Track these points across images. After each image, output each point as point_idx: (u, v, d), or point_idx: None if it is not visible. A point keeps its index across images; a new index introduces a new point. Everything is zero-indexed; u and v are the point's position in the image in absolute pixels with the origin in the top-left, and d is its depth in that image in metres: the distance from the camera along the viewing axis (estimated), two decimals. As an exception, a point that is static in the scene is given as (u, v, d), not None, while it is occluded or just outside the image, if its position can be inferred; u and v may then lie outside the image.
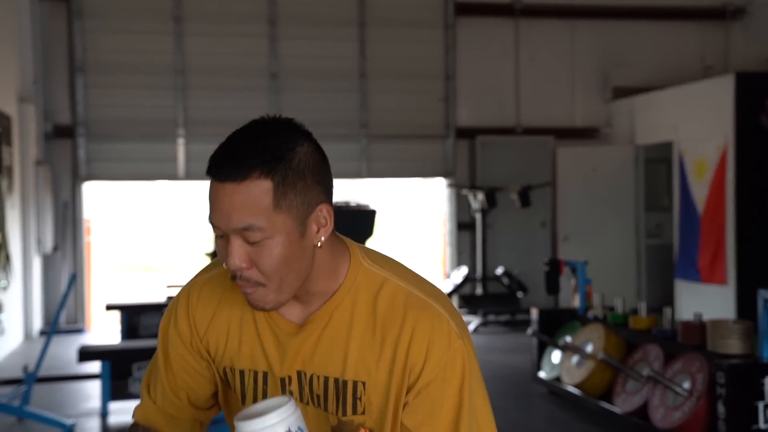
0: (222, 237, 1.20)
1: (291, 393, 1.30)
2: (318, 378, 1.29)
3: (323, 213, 1.23)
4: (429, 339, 1.25)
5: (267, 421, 1.15)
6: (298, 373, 1.29)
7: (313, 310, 1.29)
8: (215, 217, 1.19)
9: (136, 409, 1.45)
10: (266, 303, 1.22)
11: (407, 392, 1.26)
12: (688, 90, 8.05)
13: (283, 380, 1.30)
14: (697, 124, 7.73)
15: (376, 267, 1.30)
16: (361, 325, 1.27)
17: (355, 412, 1.28)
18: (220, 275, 1.35)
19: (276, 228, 1.18)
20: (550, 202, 9.22)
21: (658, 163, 8.99)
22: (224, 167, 1.17)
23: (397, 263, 1.35)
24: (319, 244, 1.23)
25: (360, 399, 1.27)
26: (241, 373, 1.32)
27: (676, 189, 7.98)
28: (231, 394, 1.39)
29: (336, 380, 1.28)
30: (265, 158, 1.16)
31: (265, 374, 1.31)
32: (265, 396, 1.31)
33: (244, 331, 1.32)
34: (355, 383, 1.27)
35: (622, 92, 9.36)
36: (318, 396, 1.29)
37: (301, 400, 1.30)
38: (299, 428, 1.17)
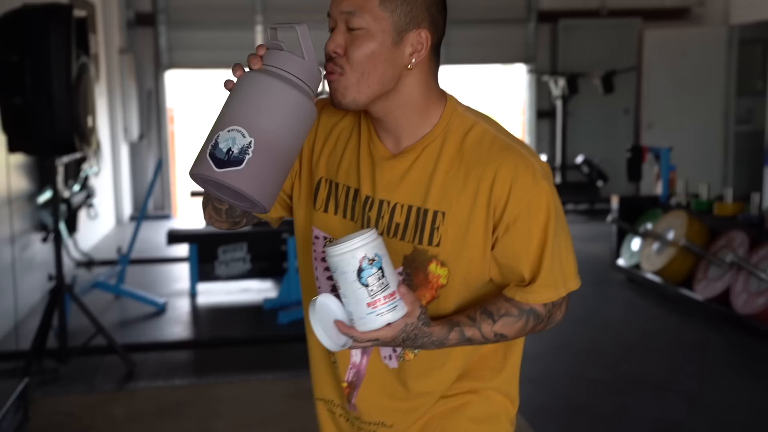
0: (331, 30, 1.30)
1: (369, 218, 1.35)
2: (401, 206, 1.34)
3: (421, 38, 1.28)
4: (513, 176, 1.29)
5: (346, 247, 1.21)
6: (381, 202, 1.35)
7: (407, 145, 1.34)
8: (331, 4, 1.29)
9: None
10: (344, 95, 1.28)
11: (494, 229, 1.31)
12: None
13: (367, 199, 1.36)
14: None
15: (470, 113, 1.36)
16: (448, 159, 1.32)
17: (431, 242, 1.32)
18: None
19: (375, 22, 1.25)
20: (635, 88, 8.90)
21: (754, 44, 8.51)
22: None
23: (491, 117, 1.39)
24: (409, 66, 1.29)
25: (437, 229, 1.31)
26: (336, 185, 1.39)
27: (771, 72, 7.58)
28: (311, 256, 1.43)
29: (418, 209, 1.33)
30: None
31: (356, 191, 1.37)
32: (353, 210, 1.38)
33: (348, 149, 1.39)
34: (435, 213, 1.32)
35: (717, -31, 8.80)
36: (398, 224, 1.34)
37: (378, 230, 1.34)
38: (376, 254, 1.21)
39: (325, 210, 1.40)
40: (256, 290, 5.60)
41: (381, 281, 1.21)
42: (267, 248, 5.38)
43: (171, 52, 8.88)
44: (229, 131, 1.18)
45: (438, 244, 1.32)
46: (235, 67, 1.26)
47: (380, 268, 1.21)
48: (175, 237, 5.47)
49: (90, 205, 6.44)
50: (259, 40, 8.87)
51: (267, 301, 5.12)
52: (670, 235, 5.24)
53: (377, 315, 1.22)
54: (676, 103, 8.49)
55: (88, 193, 6.28)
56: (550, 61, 9.29)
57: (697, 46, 8.49)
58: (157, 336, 4.67)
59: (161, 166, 5.41)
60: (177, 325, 4.88)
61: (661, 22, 9.14)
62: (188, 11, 8.79)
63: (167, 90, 9.08)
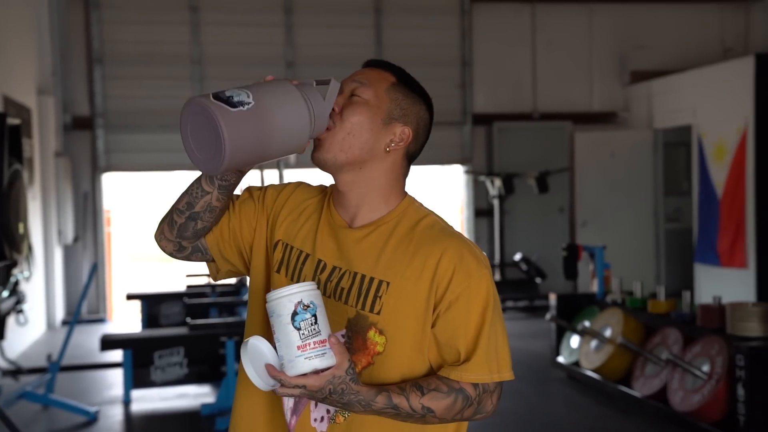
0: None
1: (320, 280, 1.44)
2: (350, 273, 1.42)
3: (404, 133, 1.45)
4: (458, 258, 1.39)
5: (285, 291, 1.30)
6: (333, 268, 1.44)
7: (362, 224, 1.46)
8: (347, 82, 1.46)
9: None
10: (328, 150, 1.42)
11: (435, 307, 1.38)
12: (708, 72, 7.98)
13: (319, 263, 1.45)
14: (717, 107, 7.66)
15: (425, 208, 1.49)
16: (399, 237, 1.42)
17: (372, 309, 1.39)
18: (320, 187, 1.58)
19: (377, 99, 1.43)
20: (568, 188, 9.18)
21: (677, 147, 8.93)
22: (376, 61, 1.50)
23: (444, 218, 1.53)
24: (387, 149, 1.44)
25: (380, 297, 1.39)
26: (291, 248, 1.49)
27: (695, 173, 7.92)
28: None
29: (363, 276, 1.41)
30: (401, 75, 1.49)
31: (307, 255, 1.47)
32: (300, 272, 1.47)
33: (310, 220, 1.50)
34: (380, 282, 1.39)
35: (640, 76, 9.29)
36: (342, 289, 1.42)
37: (325, 293, 1.42)
38: (312, 302, 1.29)
39: (278, 270, 1.49)
40: (193, 395, 5.43)
41: (313, 327, 1.28)
42: (205, 351, 5.26)
43: (108, 155, 8.85)
44: (239, 89, 1.35)
45: (379, 312, 1.38)
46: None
47: (314, 315, 1.29)
48: (108, 342, 5.31)
49: (20, 311, 6.23)
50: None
51: (205, 406, 4.96)
52: (608, 333, 5.31)
53: (306, 359, 1.27)
54: (609, 203, 8.77)
55: (18, 299, 6.07)
56: (487, 162, 9.55)
57: (625, 149, 8.86)
58: (86, 448, 4.45)
59: (96, 269, 5.30)
60: (108, 436, 4.68)
61: (590, 125, 9.54)
62: (126, 115, 8.82)
63: (104, 192, 9.00)
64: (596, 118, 9.63)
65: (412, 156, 1.49)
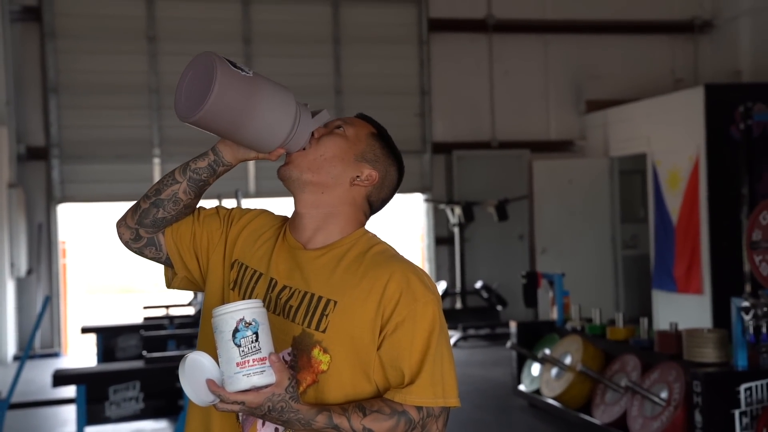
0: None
1: (270, 298, 1.48)
2: (299, 292, 1.46)
3: (371, 176, 1.52)
4: (406, 282, 1.42)
5: (228, 308, 1.32)
6: (283, 287, 1.47)
7: (318, 246, 1.50)
8: (333, 120, 1.55)
9: None
10: (296, 166, 1.48)
11: (381, 329, 1.40)
12: (660, 102, 8.15)
13: (271, 281, 1.49)
14: (670, 136, 7.81)
15: (378, 239, 1.53)
16: (349, 261, 1.46)
17: (318, 327, 1.42)
18: (282, 216, 1.63)
19: (355, 137, 1.52)
20: (527, 215, 9.26)
21: (633, 174, 9.07)
22: (363, 116, 1.58)
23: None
24: (352, 183, 1.50)
25: (326, 316, 1.41)
26: (246, 268, 1.54)
27: (650, 200, 8.05)
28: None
29: (312, 295, 1.44)
30: (385, 134, 1.57)
31: (260, 275, 1.51)
32: (252, 291, 1.51)
33: (267, 242, 1.55)
34: (327, 301, 1.42)
35: (595, 105, 9.45)
36: (291, 307, 1.45)
37: (274, 311, 1.46)
38: (254, 320, 1.31)
39: (232, 289, 1.53)
40: (149, 431, 5.30)
41: (253, 345, 1.29)
42: (161, 385, 5.15)
43: (64, 186, 8.71)
44: (246, 65, 1.45)
45: (324, 330, 1.41)
46: None
47: (255, 333, 1.30)
48: (61, 377, 5.16)
49: (-31, 346, 6.06)
50: (157, 172, 8.83)
51: (160, 443, 4.85)
52: (568, 360, 5.33)
53: (244, 375, 1.29)
54: (567, 229, 8.87)
55: (-32, 334, 5.91)
56: (446, 190, 9.60)
57: (583, 176, 8.98)
58: (37, 488, 4.31)
59: (49, 301, 5.18)
60: (60, 475, 4.54)
61: (547, 153, 9.66)
62: (83, 145, 8.70)
63: (59, 223, 8.83)
64: (554, 147, 9.76)
65: (372, 204, 1.55)
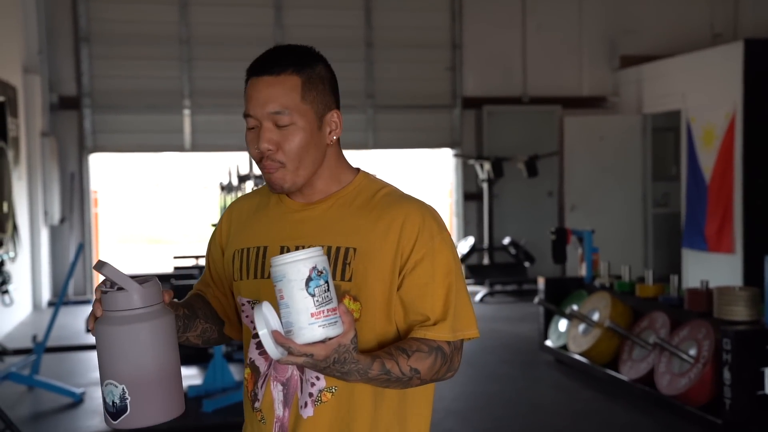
0: (253, 129, 1.43)
1: None
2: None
3: (334, 118, 1.46)
4: (421, 221, 1.42)
5: (298, 255, 1.24)
6: (296, 248, 1.41)
7: (318, 199, 1.48)
8: (252, 107, 1.42)
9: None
10: (284, 182, 1.43)
11: (401, 269, 1.41)
12: (697, 58, 7.98)
13: (282, 249, 1.45)
14: (706, 92, 7.66)
15: (380, 180, 1.51)
16: (358, 206, 1.45)
17: (343, 277, 1.40)
18: (256, 191, 1.60)
19: (301, 116, 1.41)
20: (557, 172, 9.19)
21: (666, 131, 8.93)
22: (264, 64, 1.42)
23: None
24: (330, 143, 1.46)
25: (349, 264, 1.41)
26: (246, 251, 1.50)
27: (683, 158, 7.94)
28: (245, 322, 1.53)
29: (329, 247, 1.42)
30: (296, 61, 1.43)
31: (265, 248, 1.47)
32: (263, 267, 1.46)
33: (257, 216, 1.52)
34: (347, 249, 1.41)
35: (629, 61, 9.27)
36: None
37: None
38: (324, 268, 1.24)
39: (240, 278, 1.50)
40: (179, 378, 5.40)
41: (326, 294, 1.24)
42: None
43: (96, 135, 8.77)
44: (105, 385, 1.32)
45: (350, 279, 1.40)
46: (89, 321, 1.35)
47: (326, 282, 1.24)
48: (95, 324, 5.27)
49: (5, 292, 6.19)
50: (187, 123, 8.86)
51: (191, 388, 4.95)
52: (595, 317, 5.33)
53: (319, 326, 1.23)
54: (597, 187, 8.79)
55: (3, 279, 6.04)
56: (476, 146, 9.54)
57: (614, 133, 8.86)
58: (73, 430, 4.44)
59: (82, 249, 5.26)
60: (95, 417, 4.65)
61: (579, 109, 9.53)
62: (114, 95, 8.74)
63: (91, 173, 8.93)
64: (586, 103, 9.62)
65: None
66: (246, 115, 1.43)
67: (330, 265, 1.36)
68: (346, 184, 1.48)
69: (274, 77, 1.41)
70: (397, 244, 1.40)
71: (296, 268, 1.23)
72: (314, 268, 1.23)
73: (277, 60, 1.42)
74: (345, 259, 1.41)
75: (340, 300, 1.32)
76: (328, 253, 1.40)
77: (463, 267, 8.98)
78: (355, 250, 1.41)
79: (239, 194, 6.49)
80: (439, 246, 1.42)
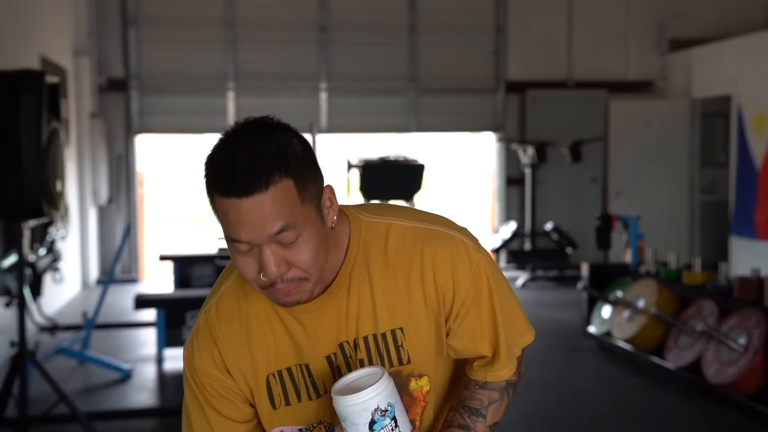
0: (246, 253, 1.17)
1: (339, 370, 1.27)
2: (357, 341, 1.26)
3: (328, 194, 1.23)
4: (451, 263, 1.27)
5: (358, 398, 1.14)
6: (340, 346, 1.27)
7: (329, 283, 1.27)
8: (245, 233, 1.14)
9: None
10: (305, 294, 1.21)
11: (446, 320, 1.29)
12: (750, 41, 7.79)
13: (328, 359, 1.27)
14: (758, 77, 7.49)
15: (376, 217, 1.30)
16: (380, 275, 1.26)
17: (401, 362, 1.27)
18: (225, 297, 1.31)
19: (306, 221, 1.17)
20: (602, 157, 9.07)
21: (715, 117, 8.76)
22: (240, 182, 1.12)
23: (396, 207, 1.36)
24: (332, 225, 1.23)
25: (402, 347, 1.27)
26: (285, 372, 1.29)
27: (733, 144, 7.78)
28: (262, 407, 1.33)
29: (374, 336, 1.26)
30: (276, 160, 1.13)
31: (306, 364, 1.28)
32: (315, 387, 1.28)
33: (272, 331, 1.28)
34: (393, 332, 1.26)
35: (678, 44, 9.09)
36: (361, 360, 1.26)
37: (349, 370, 1.26)
38: (389, 404, 1.15)
39: (288, 403, 1.29)
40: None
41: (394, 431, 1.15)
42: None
43: (142, 117, 8.89)
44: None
45: (409, 361, 1.28)
46: None
47: (393, 418, 1.15)
48: (142, 301, 5.37)
49: (56, 269, 6.32)
50: (231, 106, 8.93)
51: None
52: (641, 303, 5.27)
53: None
54: (643, 173, 8.66)
55: (54, 257, 6.16)
56: (519, 130, 9.46)
57: (661, 119, 8.71)
58: (121, 403, 4.54)
59: (130, 230, 5.35)
60: (143, 392, 4.75)
61: (625, 94, 9.38)
62: (160, 77, 8.84)
63: (137, 154, 9.06)
64: (632, 87, 9.47)
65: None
66: (231, 240, 1.16)
67: (383, 355, 1.26)
68: (346, 247, 1.27)
69: (263, 193, 1.12)
70: (437, 304, 1.27)
71: (356, 412, 1.14)
72: (377, 409, 1.14)
73: (255, 169, 1.12)
74: (395, 342, 1.27)
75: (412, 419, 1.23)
76: (376, 343, 1.26)
77: (503, 254, 9.00)
78: (402, 329, 1.26)
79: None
80: (476, 280, 1.28)
